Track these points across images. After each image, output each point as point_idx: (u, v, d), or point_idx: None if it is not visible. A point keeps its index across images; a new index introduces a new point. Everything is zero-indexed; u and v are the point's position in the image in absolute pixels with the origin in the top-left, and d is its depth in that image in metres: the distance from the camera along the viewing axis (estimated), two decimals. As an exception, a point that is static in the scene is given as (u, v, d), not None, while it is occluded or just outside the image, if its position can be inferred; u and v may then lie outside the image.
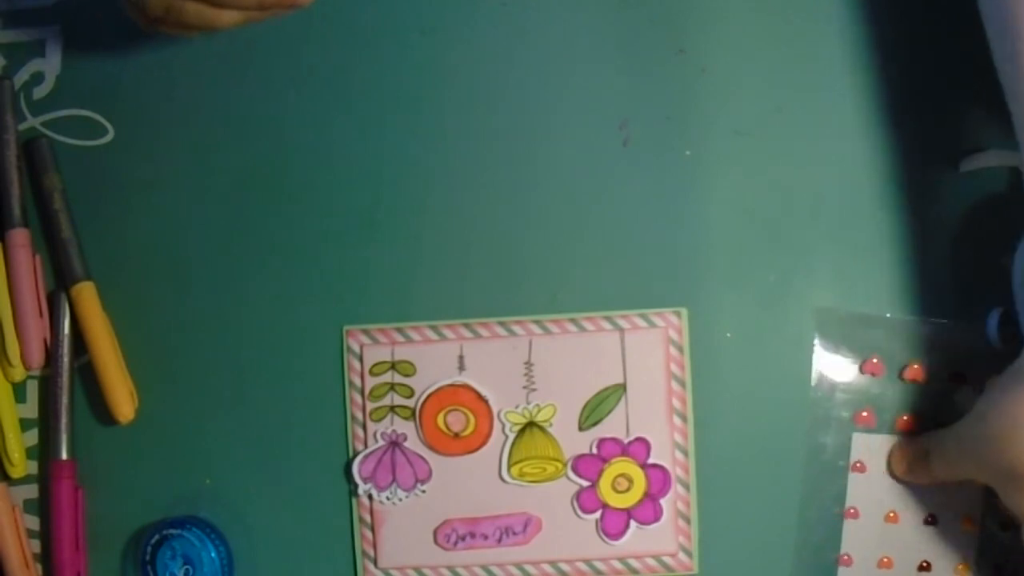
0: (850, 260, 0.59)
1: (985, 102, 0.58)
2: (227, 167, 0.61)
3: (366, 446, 0.60)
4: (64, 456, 0.61)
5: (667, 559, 0.59)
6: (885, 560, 0.58)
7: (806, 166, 0.59)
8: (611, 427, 0.59)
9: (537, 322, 0.59)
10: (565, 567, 0.60)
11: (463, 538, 0.60)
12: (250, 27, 0.52)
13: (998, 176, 0.58)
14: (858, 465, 0.58)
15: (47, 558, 0.62)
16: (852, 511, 0.58)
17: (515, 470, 0.60)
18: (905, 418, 0.58)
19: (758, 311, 0.59)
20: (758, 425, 0.59)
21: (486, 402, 0.60)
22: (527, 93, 0.60)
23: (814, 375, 0.58)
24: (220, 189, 0.61)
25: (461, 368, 0.60)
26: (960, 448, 0.52)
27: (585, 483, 0.59)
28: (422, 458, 0.60)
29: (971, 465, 0.51)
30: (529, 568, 0.60)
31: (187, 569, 0.59)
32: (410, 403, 0.60)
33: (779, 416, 0.59)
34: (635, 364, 0.59)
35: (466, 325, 0.60)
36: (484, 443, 0.60)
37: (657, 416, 0.59)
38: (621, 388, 0.59)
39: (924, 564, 0.58)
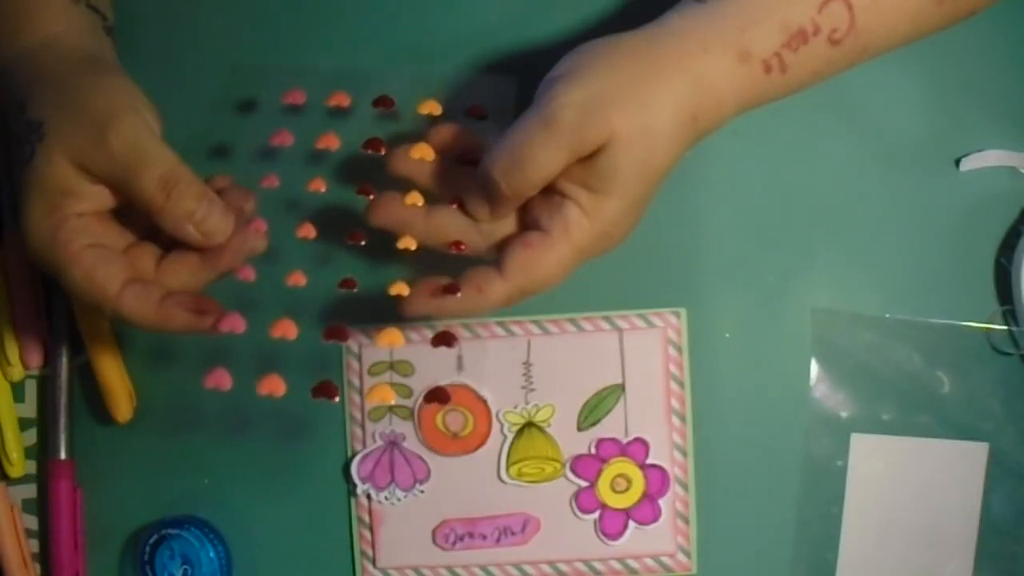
0: (848, 261, 0.59)
1: (985, 102, 0.58)
2: (227, 168, 0.61)
3: (364, 446, 0.60)
4: (63, 456, 0.61)
5: (666, 559, 0.59)
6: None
7: (805, 166, 0.59)
8: (610, 427, 0.59)
9: (536, 322, 0.59)
10: (564, 567, 0.60)
11: (461, 538, 0.60)
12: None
13: (998, 176, 0.58)
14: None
15: (46, 558, 0.62)
16: (850, 511, 0.58)
17: (514, 470, 0.60)
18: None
19: (757, 312, 0.59)
20: (756, 425, 0.59)
21: (485, 402, 0.60)
22: (526, 91, 0.59)
23: (812, 375, 0.58)
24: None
25: (460, 368, 0.60)
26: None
27: (584, 483, 0.59)
28: (421, 458, 0.60)
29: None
30: (528, 568, 0.60)
31: (186, 569, 0.59)
32: (409, 403, 0.60)
33: (777, 416, 0.59)
34: (634, 364, 0.59)
35: (465, 325, 0.60)
36: (483, 443, 0.60)
37: (656, 416, 0.59)
38: (620, 388, 0.59)
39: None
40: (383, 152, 0.53)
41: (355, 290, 0.53)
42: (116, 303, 0.49)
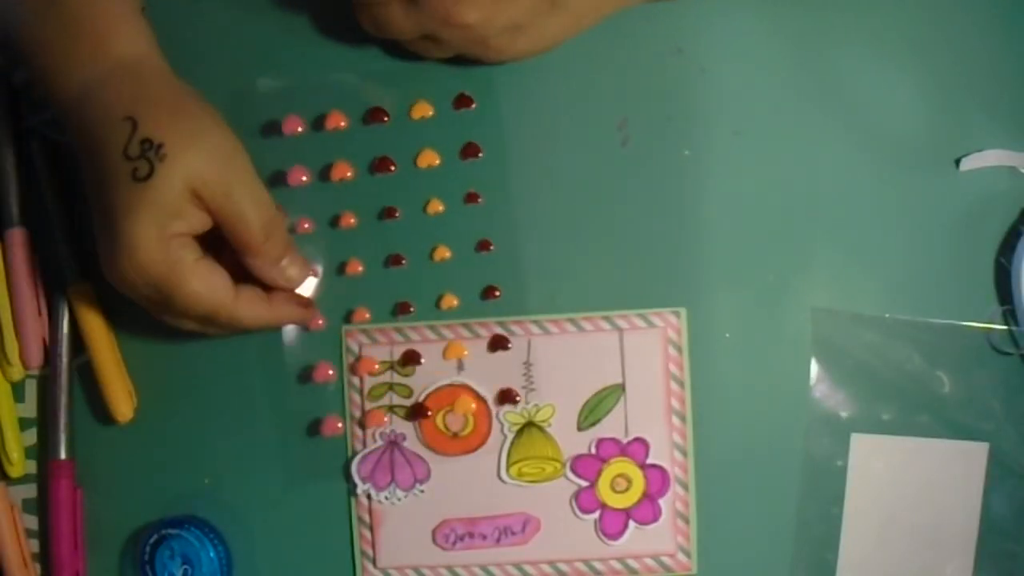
0: (848, 260, 0.59)
1: (985, 102, 0.58)
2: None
3: (365, 446, 0.60)
4: (63, 456, 0.61)
5: (666, 559, 0.59)
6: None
7: (805, 166, 0.59)
8: (610, 427, 0.59)
9: (536, 322, 0.59)
10: (564, 567, 0.60)
11: (462, 538, 0.60)
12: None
13: (998, 176, 0.58)
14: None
15: (46, 558, 0.62)
16: (850, 511, 0.58)
17: (514, 470, 0.60)
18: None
19: (757, 311, 0.59)
20: (757, 425, 0.59)
21: (485, 402, 0.60)
22: (525, 92, 0.60)
23: (812, 375, 0.58)
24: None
25: (460, 368, 0.60)
26: None
27: (584, 483, 0.59)
28: (421, 458, 0.60)
29: None
30: (528, 568, 0.60)
31: (186, 569, 0.59)
32: (409, 403, 0.60)
33: (777, 416, 0.59)
34: (634, 364, 0.59)
35: (465, 325, 0.60)
36: (483, 443, 0.60)
37: (656, 416, 0.59)
38: (620, 388, 0.59)
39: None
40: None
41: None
42: (233, 308, 0.53)
